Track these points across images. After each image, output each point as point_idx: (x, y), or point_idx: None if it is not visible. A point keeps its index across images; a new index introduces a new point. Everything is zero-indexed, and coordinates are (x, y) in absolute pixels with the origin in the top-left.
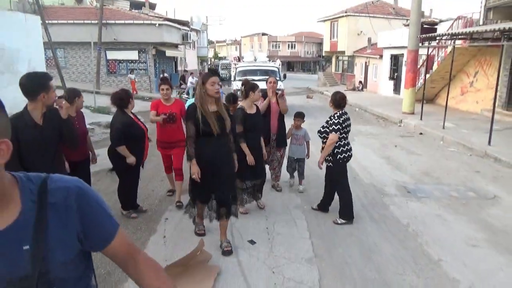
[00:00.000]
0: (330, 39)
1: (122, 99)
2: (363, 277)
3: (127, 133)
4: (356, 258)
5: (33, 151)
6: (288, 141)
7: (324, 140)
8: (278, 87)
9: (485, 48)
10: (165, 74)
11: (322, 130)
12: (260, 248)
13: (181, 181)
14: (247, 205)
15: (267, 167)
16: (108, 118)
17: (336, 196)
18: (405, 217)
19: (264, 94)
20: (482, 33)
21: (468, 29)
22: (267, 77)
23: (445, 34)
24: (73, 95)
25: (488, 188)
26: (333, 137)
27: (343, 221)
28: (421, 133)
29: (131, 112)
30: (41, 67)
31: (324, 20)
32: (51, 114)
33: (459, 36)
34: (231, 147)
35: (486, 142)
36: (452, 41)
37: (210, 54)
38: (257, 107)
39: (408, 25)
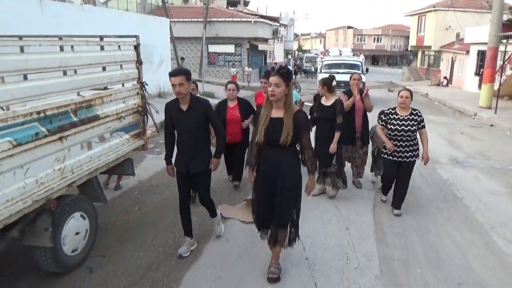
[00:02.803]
0: (417, 33)
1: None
2: (407, 201)
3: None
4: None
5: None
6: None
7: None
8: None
9: None
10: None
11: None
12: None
13: None
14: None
15: (348, 165)
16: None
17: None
18: (448, 176)
19: (348, 91)
20: None
21: None
22: (350, 70)
23: None
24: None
25: None
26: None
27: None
28: (491, 125)
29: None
30: (168, 58)
31: (412, 15)
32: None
33: None
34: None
35: None
36: None
37: (295, 47)
38: (337, 102)
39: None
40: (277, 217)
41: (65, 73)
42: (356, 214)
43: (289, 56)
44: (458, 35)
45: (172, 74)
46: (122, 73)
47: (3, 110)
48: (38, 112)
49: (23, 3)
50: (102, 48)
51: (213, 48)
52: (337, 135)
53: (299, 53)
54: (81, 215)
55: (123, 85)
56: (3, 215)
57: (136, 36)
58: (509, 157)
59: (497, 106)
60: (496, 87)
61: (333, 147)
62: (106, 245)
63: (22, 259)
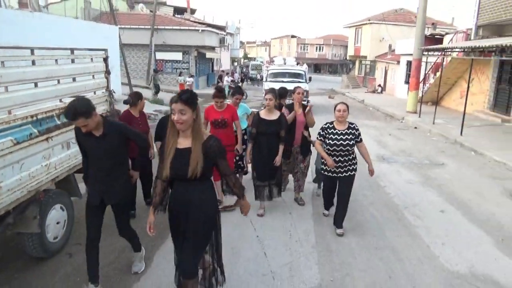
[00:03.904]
0: (355, 44)
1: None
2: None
3: None
4: None
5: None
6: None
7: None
8: (303, 88)
9: (479, 59)
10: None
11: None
12: None
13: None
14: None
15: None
16: (164, 108)
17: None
18: (374, 170)
19: (290, 105)
20: (474, 47)
21: (459, 44)
22: (294, 79)
23: (440, 49)
24: (136, 98)
25: (442, 160)
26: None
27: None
28: (415, 127)
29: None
30: (117, 66)
31: (350, 26)
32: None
33: (456, 49)
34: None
35: (459, 133)
36: (452, 51)
37: (241, 54)
38: (282, 116)
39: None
40: (184, 262)
41: (58, 81)
42: (297, 203)
43: (235, 64)
44: (390, 46)
45: (72, 119)
46: (94, 82)
47: (9, 114)
48: (32, 116)
49: None
50: (72, 61)
51: (160, 56)
52: (281, 148)
53: (245, 60)
54: (61, 207)
55: (95, 92)
56: (5, 202)
57: (105, 50)
58: (426, 154)
59: (420, 110)
60: (420, 94)
61: (279, 160)
62: (81, 234)
63: (5, 249)
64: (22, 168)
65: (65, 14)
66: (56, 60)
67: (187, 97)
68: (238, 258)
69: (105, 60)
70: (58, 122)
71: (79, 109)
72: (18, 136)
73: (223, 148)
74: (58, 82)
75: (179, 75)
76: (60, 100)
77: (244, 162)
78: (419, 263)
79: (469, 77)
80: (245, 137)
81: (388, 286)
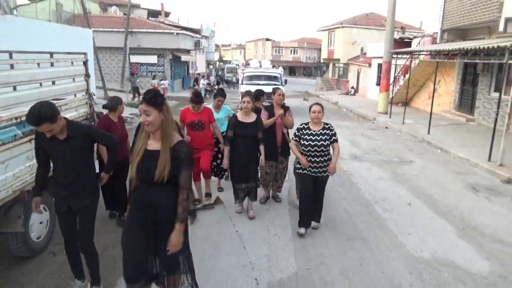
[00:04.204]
0: (328, 47)
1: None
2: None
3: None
4: None
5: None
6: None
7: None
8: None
9: (444, 61)
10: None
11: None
12: None
13: (209, 179)
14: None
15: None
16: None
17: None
18: (347, 168)
19: (268, 106)
20: (439, 51)
21: (426, 47)
22: (270, 82)
23: (408, 52)
24: (116, 103)
25: (411, 157)
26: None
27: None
28: (386, 127)
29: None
30: (92, 69)
31: (323, 30)
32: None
33: (423, 52)
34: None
35: (427, 132)
36: (420, 54)
37: (216, 57)
38: (259, 119)
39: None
40: (162, 265)
41: (41, 84)
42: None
43: (211, 67)
44: (362, 49)
45: (36, 125)
46: (74, 85)
47: None
48: (16, 118)
49: None
50: (52, 64)
51: (135, 59)
52: (262, 148)
53: (220, 63)
54: (43, 207)
55: (75, 95)
56: None
57: (84, 53)
58: (396, 152)
59: (391, 111)
60: (391, 95)
61: (263, 159)
62: None
63: None
64: (7, 169)
65: (36, 17)
66: (38, 64)
67: (150, 97)
68: (219, 252)
69: (85, 63)
70: None
71: (43, 114)
72: (4, 137)
73: (191, 157)
74: (41, 85)
75: (153, 78)
76: None
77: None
78: (387, 251)
79: (435, 79)
80: None
81: (360, 272)
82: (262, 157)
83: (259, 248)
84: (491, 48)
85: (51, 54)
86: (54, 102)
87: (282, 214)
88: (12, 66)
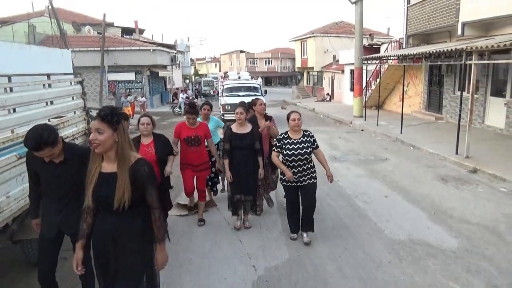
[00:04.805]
0: (301, 56)
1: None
2: None
3: None
4: None
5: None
6: None
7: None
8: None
9: (411, 65)
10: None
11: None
12: None
13: (204, 201)
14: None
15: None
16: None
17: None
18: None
19: (251, 118)
20: (405, 55)
21: (394, 52)
22: (250, 93)
23: (377, 57)
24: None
25: (386, 155)
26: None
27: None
28: (362, 130)
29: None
30: None
31: (295, 40)
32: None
33: (391, 57)
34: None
35: (399, 132)
36: (388, 59)
37: (192, 71)
38: (254, 129)
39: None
40: None
41: (46, 103)
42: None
43: (187, 81)
44: (334, 57)
45: (36, 150)
46: (74, 103)
47: (12, 132)
48: None
49: None
50: (49, 85)
51: (113, 77)
52: (260, 159)
53: (196, 77)
54: None
55: (75, 112)
56: (13, 210)
57: (80, 73)
58: (372, 152)
59: (365, 115)
60: (364, 100)
61: (262, 172)
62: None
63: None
64: (24, 180)
65: (13, 40)
66: (44, 85)
67: (105, 114)
68: (218, 247)
69: (81, 83)
70: None
71: (45, 138)
72: (21, 151)
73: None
74: (46, 104)
75: (127, 95)
76: (49, 120)
77: (220, 179)
78: (368, 236)
79: (403, 81)
80: (219, 152)
81: (345, 254)
82: (261, 170)
83: (254, 241)
84: (450, 51)
85: (48, 75)
86: (57, 120)
87: (272, 213)
88: (11, 89)
